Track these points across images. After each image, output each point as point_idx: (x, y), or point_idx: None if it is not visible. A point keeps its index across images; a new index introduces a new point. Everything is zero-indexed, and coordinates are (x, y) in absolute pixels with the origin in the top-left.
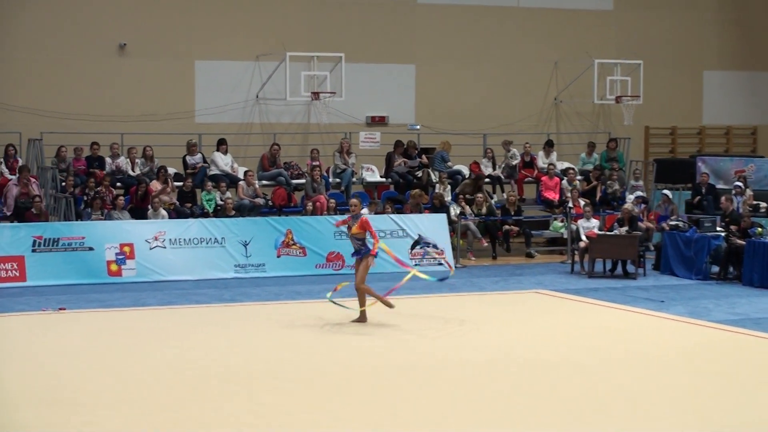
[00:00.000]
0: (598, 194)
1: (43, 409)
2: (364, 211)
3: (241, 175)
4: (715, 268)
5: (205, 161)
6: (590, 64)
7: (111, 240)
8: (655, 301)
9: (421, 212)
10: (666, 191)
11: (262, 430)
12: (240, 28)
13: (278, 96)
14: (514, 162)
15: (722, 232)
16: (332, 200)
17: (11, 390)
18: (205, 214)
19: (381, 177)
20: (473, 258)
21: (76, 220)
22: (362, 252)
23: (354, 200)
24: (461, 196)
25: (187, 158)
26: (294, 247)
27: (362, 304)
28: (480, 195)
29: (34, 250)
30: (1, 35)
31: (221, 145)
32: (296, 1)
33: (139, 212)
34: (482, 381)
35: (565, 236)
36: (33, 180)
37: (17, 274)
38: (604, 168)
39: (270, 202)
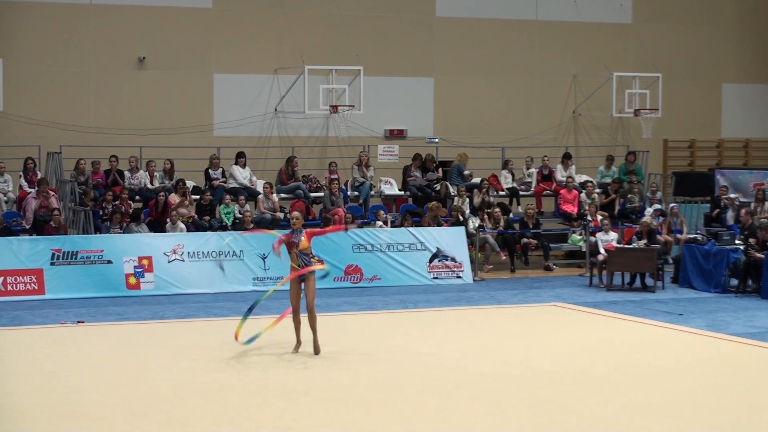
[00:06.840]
0: (617, 207)
1: (61, 423)
2: None
3: (259, 189)
4: (734, 282)
5: (224, 176)
6: (609, 78)
7: (129, 253)
8: (674, 315)
9: (439, 225)
10: (674, 204)
11: None
12: (259, 41)
13: (297, 109)
14: (528, 180)
15: (741, 245)
16: (350, 213)
17: (29, 403)
18: (223, 227)
19: (399, 190)
20: (489, 267)
21: (95, 233)
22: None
23: (296, 213)
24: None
25: (210, 171)
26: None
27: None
28: (498, 209)
29: (52, 263)
30: (21, 49)
31: (240, 158)
32: (315, 14)
33: (157, 225)
34: (501, 394)
35: (584, 249)
36: (52, 193)
37: (36, 287)
38: (622, 181)
39: (288, 216)
